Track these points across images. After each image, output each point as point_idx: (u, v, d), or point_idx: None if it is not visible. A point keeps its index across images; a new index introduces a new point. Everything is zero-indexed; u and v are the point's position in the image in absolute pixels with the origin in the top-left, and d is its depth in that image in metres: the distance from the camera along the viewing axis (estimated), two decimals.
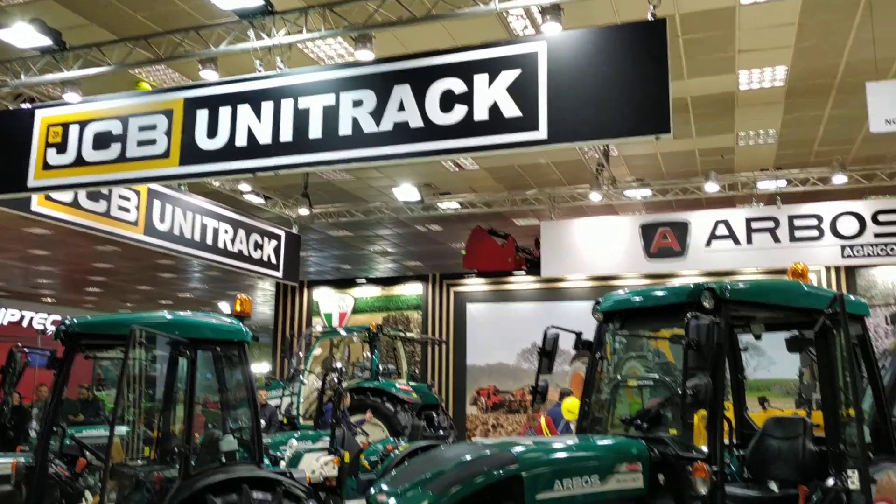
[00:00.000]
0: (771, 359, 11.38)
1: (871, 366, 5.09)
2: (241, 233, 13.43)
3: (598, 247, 13.94)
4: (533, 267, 16.67)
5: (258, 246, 13.87)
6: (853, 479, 4.23)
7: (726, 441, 5.22)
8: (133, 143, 7.80)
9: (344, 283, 21.35)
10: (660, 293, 4.90)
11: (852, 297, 5.48)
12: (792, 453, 4.92)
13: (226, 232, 13.05)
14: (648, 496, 4.18)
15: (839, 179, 12.49)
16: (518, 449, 4.09)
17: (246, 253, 13.56)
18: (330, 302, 20.77)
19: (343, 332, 15.78)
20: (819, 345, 4.76)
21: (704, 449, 4.24)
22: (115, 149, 7.86)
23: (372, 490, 4.14)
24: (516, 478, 3.86)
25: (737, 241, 13.17)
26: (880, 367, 8.31)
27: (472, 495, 3.78)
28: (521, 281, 18.29)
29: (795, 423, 5.22)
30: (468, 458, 4.03)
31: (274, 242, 14.38)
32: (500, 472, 3.86)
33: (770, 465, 4.99)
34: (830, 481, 4.57)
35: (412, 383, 14.72)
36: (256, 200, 14.32)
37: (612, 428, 5.08)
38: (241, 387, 6.32)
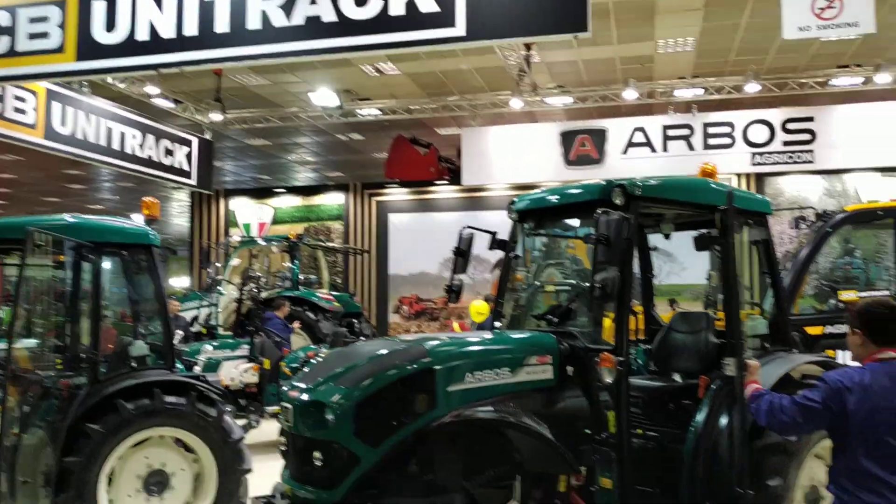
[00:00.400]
0: (682, 264, 11.80)
1: (772, 264, 5.29)
2: (150, 138, 12.85)
3: (519, 155, 13.97)
4: (455, 177, 16.62)
5: (169, 152, 13.34)
6: (731, 367, 4.39)
7: (635, 337, 5.44)
8: (23, 37, 7.25)
9: (263, 192, 20.90)
10: (572, 191, 4.93)
11: (757, 196, 5.65)
12: (695, 346, 5.11)
13: (133, 137, 12.47)
14: (557, 387, 4.29)
15: (752, 88, 12.73)
16: (431, 343, 4.12)
17: (156, 159, 13.03)
18: (248, 212, 20.36)
19: (262, 242, 15.53)
20: (720, 242, 4.91)
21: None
22: (3, 42, 7.30)
23: (284, 387, 4.13)
24: (428, 370, 3.89)
25: (653, 149, 13.40)
26: (784, 268, 8.73)
27: (385, 388, 3.80)
28: (444, 190, 18.26)
29: (699, 317, 5.42)
30: (382, 352, 4.05)
31: (185, 149, 13.85)
32: (413, 365, 3.89)
33: (674, 357, 5.19)
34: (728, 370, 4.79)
35: (334, 293, 14.71)
36: (166, 105, 13.66)
37: (525, 326, 5.17)
38: (151, 293, 6.14)
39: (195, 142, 14.18)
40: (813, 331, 8.10)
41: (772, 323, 5.20)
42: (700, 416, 4.67)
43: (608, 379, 4.14)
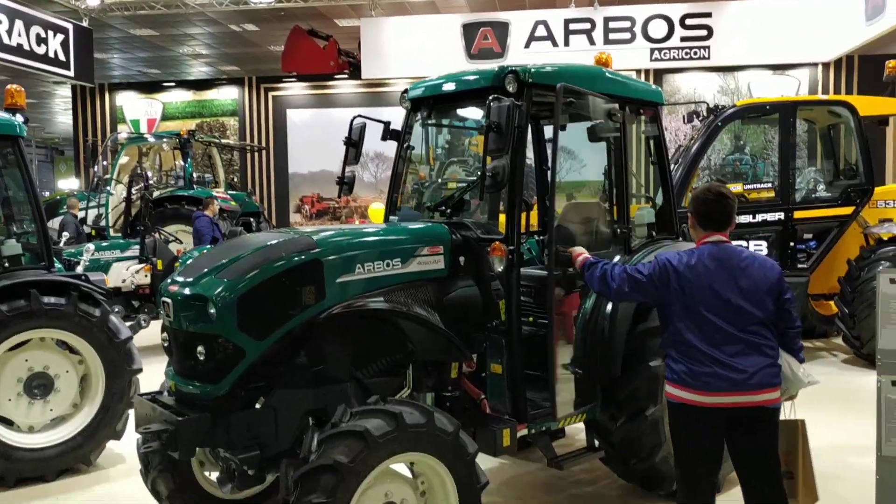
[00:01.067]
0: (583, 161, 11.94)
1: (661, 155, 5.35)
2: (20, 24, 11.79)
3: (420, 47, 13.61)
4: (356, 71, 16.12)
5: (42, 40, 12.30)
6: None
7: (525, 228, 5.46)
8: None
9: (151, 86, 19.76)
10: (466, 77, 4.79)
11: (651, 86, 5.66)
12: (587, 235, 5.19)
13: (0, 23, 11.40)
14: (449, 277, 4.28)
15: None
16: (320, 234, 4.00)
17: (27, 47, 12.01)
18: (136, 107, 19.25)
19: (151, 139, 14.79)
20: (612, 132, 4.92)
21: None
22: None
23: (166, 281, 3.96)
24: (316, 261, 3.79)
25: (555, 44, 13.29)
26: (676, 162, 8.93)
27: (271, 280, 3.68)
28: (344, 85, 17.73)
29: (591, 207, 5.50)
30: (268, 243, 3.90)
31: (60, 37, 12.80)
32: (301, 256, 3.77)
33: (569, 244, 5.24)
34: (617, 257, 4.89)
35: (230, 192, 14.25)
36: None
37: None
38: (20, 187, 5.73)
39: (71, 29, 13.10)
40: None
41: (659, 213, 5.32)
42: (588, 303, 4.79)
43: (499, 267, 4.14)
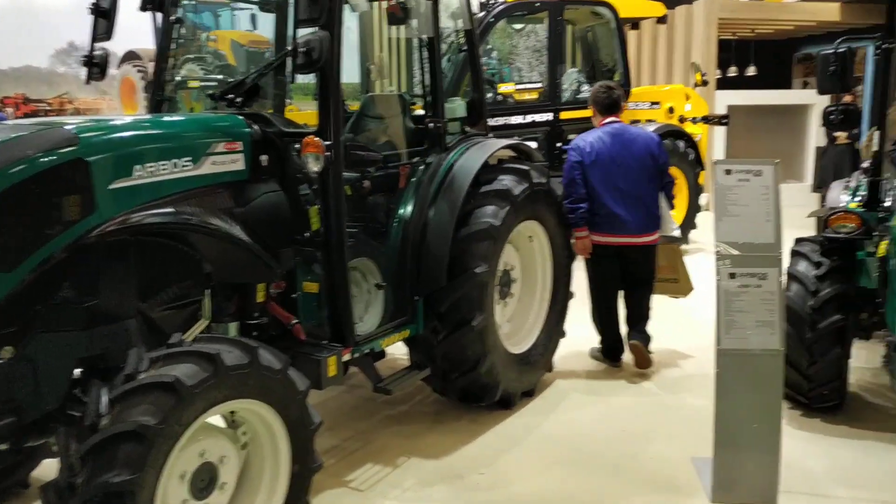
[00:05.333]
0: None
1: (472, 47, 4.90)
2: None
3: None
4: None
5: None
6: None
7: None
8: None
9: None
10: None
11: None
12: (392, 131, 4.62)
13: None
14: (250, 180, 3.49)
15: None
16: (82, 126, 2.96)
17: None
18: None
19: None
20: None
21: None
22: None
23: None
24: (79, 162, 2.80)
25: None
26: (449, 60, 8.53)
27: (14, 190, 2.64)
28: None
29: (393, 100, 4.90)
30: (8, 138, 2.79)
31: None
32: (56, 155, 2.76)
33: (370, 145, 4.62)
34: (432, 157, 4.40)
35: None
36: None
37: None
38: None
39: None
40: None
41: (469, 104, 4.89)
42: (404, 209, 4.27)
43: (315, 167, 3.43)
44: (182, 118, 3.63)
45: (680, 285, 5.47)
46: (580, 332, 5.99)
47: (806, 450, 4.16)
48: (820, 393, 4.42)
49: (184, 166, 3.20)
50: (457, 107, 4.82)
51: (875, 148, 4.64)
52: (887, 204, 4.61)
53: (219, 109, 3.85)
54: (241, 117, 3.56)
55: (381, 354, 4.36)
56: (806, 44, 15.28)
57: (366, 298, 4.19)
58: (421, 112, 4.66)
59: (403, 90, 12.24)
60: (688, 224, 9.28)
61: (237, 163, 3.44)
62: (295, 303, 3.71)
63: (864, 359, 5.23)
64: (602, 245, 5.08)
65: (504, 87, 8.96)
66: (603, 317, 5.43)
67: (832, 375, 4.37)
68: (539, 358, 4.94)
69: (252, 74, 3.73)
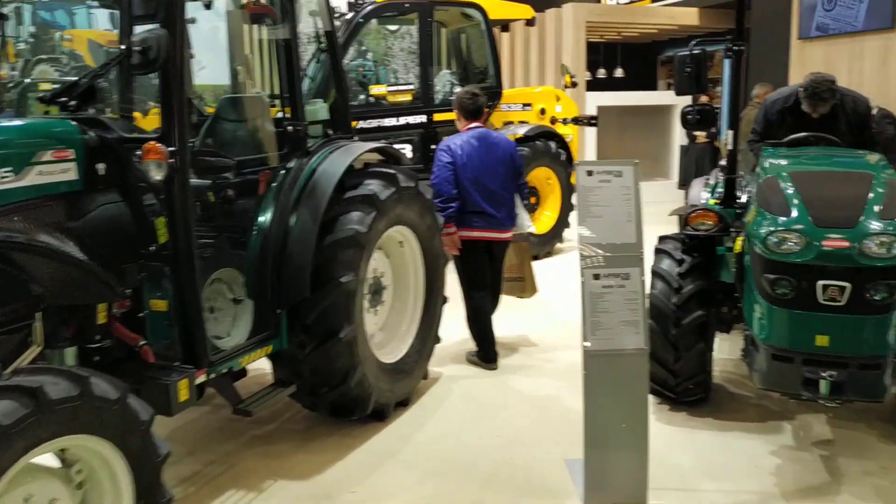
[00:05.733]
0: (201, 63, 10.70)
1: (333, 48, 4.72)
2: None
3: None
4: None
5: None
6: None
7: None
8: None
9: None
10: None
11: None
12: (251, 135, 4.38)
13: None
14: (86, 191, 3.19)
15: None
16: None
17: None
18: None
19: None
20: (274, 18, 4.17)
21: None
22: None
23: None
24: None
25: None
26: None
27: None
28: None
29: (252, 102, 4.66)
30: None
31: None
32: None
33: (226, 151, 4.37)
34: (293, 162, 4.20)
35: None
36: None
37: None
38: None
39: None
40: None
41: (333, 108, 4.72)
42: (263, 217, 4.05)
43: (157, 176, 3.17)
44: (2, 125, 3.27)
45: (526, 285, 5.89)
46: (456, 336, 5.94)
47: (674, 445, 4.23)
48: (686, 387, 4.52)
49: (2, 178, 2.87)
50: (319, 109, 4.64)
51: (730, 147, 4.80)
52: (743, 200, 4.78)
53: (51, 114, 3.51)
54: (73, 122, 3.24)
55: (243, 373, 4.11)
56: (669, 47, 15.93)
57: (233, 311, 3.95)
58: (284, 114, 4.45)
59: (272, 91, 11.86)
60: (561, 223, 9.43)
61: (69, 172, 3.14)
62: (142, 322, 3.42)
63: (726, 350, 5.41)
64: (473, 241, 5.33)
65: (376, 89, 8.80)
66: (478, 318, 5.46)
67: (697, 369, 4.47)
68: (413, 366, 4.82)
69: (86, 76, 3.41)
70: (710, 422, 4.52)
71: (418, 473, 4.01)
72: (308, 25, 4.86)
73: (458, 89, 9.21)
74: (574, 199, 9.76)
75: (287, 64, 4.24)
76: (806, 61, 9.58)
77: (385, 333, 4.81)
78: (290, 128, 4.22)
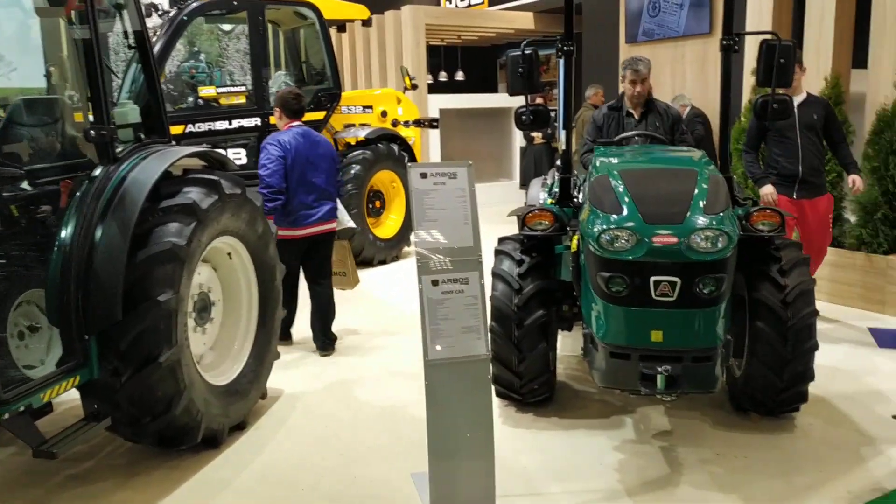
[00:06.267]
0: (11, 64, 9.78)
1: (143, 51, 4.32)
2: None
3: None
4: None
5: None
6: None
7: None
8: None
9: None
10: None
11: None
12: (50, 141, 3.92)
13: None
14: None
15: None
16: None
17: None
18: None
19: None
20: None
21: None
22: None
23: None
24: None
25: None
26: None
27: None
28: None
29: (50, 105, 4.18)
30: None
31: None
32: None
33: (20, 158, 3.89)
34: (98, 170, 3.79)
35: None
36: None
37: None
38: None
39: None
40: (175, 130, 7.44)
41: (146, 112, 4.31)
42: (65, 232, 3.61)
43: None
44: None
45: (348, 279, 6.20)
46: (297, 350, 5.65)
47: (521, 448, 4.17)
48: (531, 388, 4.48)
49: None
50: (128, 111, 4.22)
51: (564, 147, 4.82)
52: (579, 199, 4.83)
53: None
54: None
55: (48, 407, 3.65)
56: (507, 50, 16.28)
57: (48, 337, 3.50)
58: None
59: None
60: (407, 227, 9.32)
61: None
62: None
63: (567, 347, 5.47)
64: (292, 239, 5.53)
65: (205, 91, 8.32)
66: (287, 294, 5.46)
67: (541, 370, 4.44)
68: (249, 386, 4.50)
69: None
70: (555, 421, 4.51)
71: (254, 502, 3.71)
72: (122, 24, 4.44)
73: None
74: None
75: (88, 62, 3.81)
76: None
77: (216, 353, 4.47)
78: (92, 132, 3.79)
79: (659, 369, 3.53)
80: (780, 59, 4.42)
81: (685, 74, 9.63)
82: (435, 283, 3.42)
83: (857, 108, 7.05)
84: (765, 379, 4.16)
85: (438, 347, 3.40)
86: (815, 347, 4.13)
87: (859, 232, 6.72)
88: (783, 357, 4.07)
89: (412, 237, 3.49)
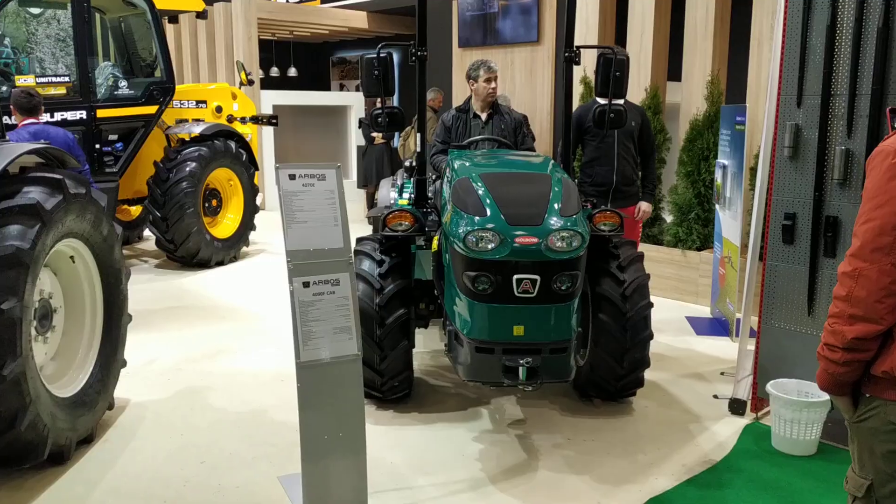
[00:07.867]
0: None
1: None
2: None
3: None
4: None
5: None
6: None
7: None
8: None
9: None
10: None
11: None
12: None
13: None
14: None
15: None
16: None
17: None
18: None
19: None
20: None
21: None
22: None
23: None
24: None
25: None
26: None
27: None
28: None
29: None
30: None
31: None
32: None
33: None
34: None
35: None
36: None
37: None
38: None
39: None
40: None
41: None
42: None
43: None
44: None
45: None
46: (143, 357, 5.40)
47: (386, 444, 4.25)
48: (392, 385, 4.58)
49: None
50: None
51: (418, 149, 4.95)
52: (432, 200, 4.98)
53: None
54: None
55: None
56: (340, 48, 16.23)
57: None
58: None
59: None
60: (246, 226, 9.10)
61: None
62: None
63: (421, 343, 5.61)
64: None
65: (23, 80, 7.66)
66: None
67: (402, 367, 4.55)
68: (96, 397, 4.25)
69: None
70: (415, 416, 4.64)
71: None
72: None
73: (122, 83, 8.44)
74: (258, 201, 9.51)
75: None
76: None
77: (59, 363, 4.18)
78: None
79: (521, 361, 3.73)
80: (616, 71, 4.81)
81: (515, 80, 10.09)
82: (306, 284, 3.42)
83: (673, 117, 7.76)
84: (607, 366, 4.52)
85: (310, 349, 3.40)
86: (651, 336, 4.54)
87: (675, 230, 7.40)
88: (623, 346, 4.44)
89: (283, 238, 3.45)
